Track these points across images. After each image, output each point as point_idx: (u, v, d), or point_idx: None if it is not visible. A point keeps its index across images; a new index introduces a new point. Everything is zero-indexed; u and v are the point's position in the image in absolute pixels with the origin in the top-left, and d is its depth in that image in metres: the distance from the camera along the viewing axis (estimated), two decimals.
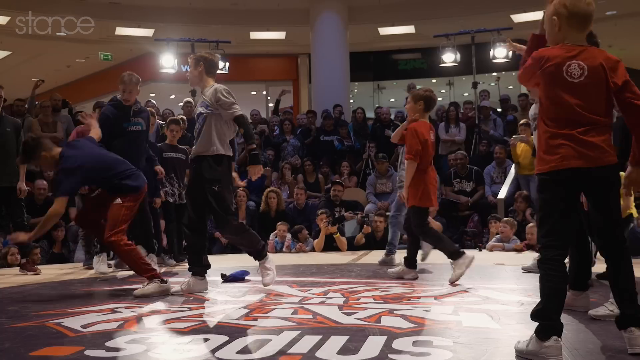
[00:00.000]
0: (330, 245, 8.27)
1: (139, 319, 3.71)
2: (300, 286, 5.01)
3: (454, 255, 5.07)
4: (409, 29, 16.65)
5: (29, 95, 10.31)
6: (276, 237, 8.42)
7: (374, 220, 8.55)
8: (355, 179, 10.80)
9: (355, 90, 18.76)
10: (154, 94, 17.04)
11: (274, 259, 4.98)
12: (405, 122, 5.71)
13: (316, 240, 8.29)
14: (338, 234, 8.27)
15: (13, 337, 3.29)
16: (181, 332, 3.37)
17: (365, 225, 8.48)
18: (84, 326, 3.51)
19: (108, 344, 3.05)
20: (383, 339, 3.06)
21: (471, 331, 3.26)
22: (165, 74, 13.78)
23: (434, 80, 18.50)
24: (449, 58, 12.39)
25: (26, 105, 9.70)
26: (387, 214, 9.18)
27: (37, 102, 10.18)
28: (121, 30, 16.19)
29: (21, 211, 6.50)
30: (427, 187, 5.30)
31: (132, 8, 15.38)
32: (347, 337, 3.11)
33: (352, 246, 8.46)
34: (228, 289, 4.98)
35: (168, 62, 12.77)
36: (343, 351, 2.85)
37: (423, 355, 2.78)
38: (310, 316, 3.72)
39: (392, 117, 12.27)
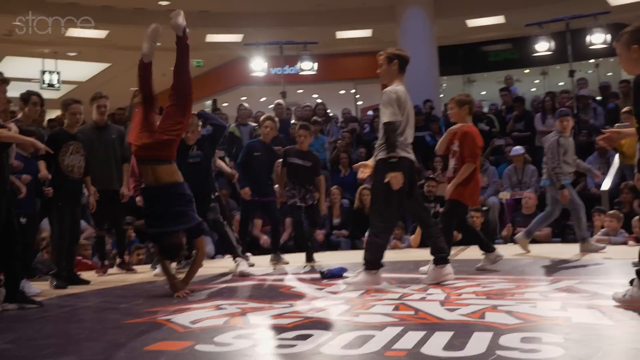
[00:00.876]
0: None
1: (243, 315, 3.80)
2: (400, 282, 4.98)
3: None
4: (498, 19, 16.22)
5: (128, 104, 10.80)
6: None
7: (471, 216, 8.38)
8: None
9: (444, 85, 18.46)
10: (245, 97, 17.41)
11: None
12: (446, 133, 5.95)
13: (412, 236, 8.25)
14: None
15: (128, 332, 3.46)
16: (285, 327, 3.43)
17: None
18: (192, 322, 3.64)
19: (216, 339, 3.15)
20: (489, 335, 3.00)
21: (582, 327, 3.14)
22: (255, 77, 14.08)
23: (526, 71, 17.96)
24: (543, 47, 12.00)
25: (126, 114, 10.17)
26: (484, 208, 9.01)
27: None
28: (211, 37, 16.65)
29: (123, 215, 6.85)
30: (477, 187, 5.70)
31: (221, 15, 15.79)
32: (452, 333, 3.07)
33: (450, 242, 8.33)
34: (327, 285, 5.02)
35: (258, 65, 13.03)
36: (449, 347, 2.81)
37: (533, 352, 2.70)
38: (412, 312, 3.70)
39: (486, 110, 12.01)
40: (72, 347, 3.17)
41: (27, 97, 5.94)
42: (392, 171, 4.69)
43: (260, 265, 6.74)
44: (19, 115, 5.94)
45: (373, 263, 4.83)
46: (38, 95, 6.09)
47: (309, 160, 6.95)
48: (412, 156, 4.96)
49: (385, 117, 4.81)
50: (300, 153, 6.94)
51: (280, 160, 7.14)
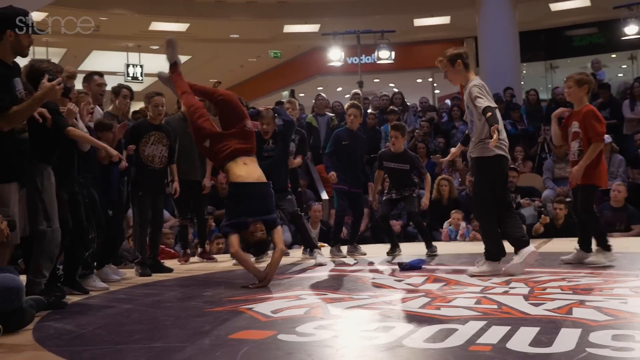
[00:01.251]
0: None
1: (324, 305, 3.82)
2: (480, 275, 4.88)
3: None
4: (583, 2, 15.63)
5: None
6: (450, 225, 8.31)
7: (554, 208, 8.13)
8: (531, 164, 10.34)
9: (524, 72, 17.95)
10: (321, 87, 17.50)
11: (449, 248, 4.92)
12: (555, 119, 5.72)
13: None
14: None
15: (211, 320, 3.53)
16: (366, 319, 3.42)
17: (543, 216, 8.08)
18: (273, 312, 3.68)
19: (298, 329, 3.17)
20: (577, 331, 2.90)
21: None
22: (332, 67, 14.11)
23: (613, 55, 17.22)
24: (632, 30, 11.46)
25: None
26: (567, 200, 8.70)
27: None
28: (289, 28, 16.79)
29: (205, 206, 7.02)
30: (605, 168, 5.42)
31: (299, 5, 15.88)
32: (538, 328, 2.98)
33: (531, 235, 8.11)
34: (406, 277, 4.98)
35: (335, 55, 13.05)
36: (535, 343, 2.73)
37: (626, 350, 2.59)
38: (495, 306, 3.62)
39: None
40: (159, 334, 3.28)
41: (118, 90, 6.15)
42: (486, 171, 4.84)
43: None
44: (110, 108, 6.16)
45: (495, 253, 4.92)
46: (128, 88, 6.30)
47: (405, 163, 6.80)
48: (507, 153, 4.97)
49: (484, 105, 4.72)
50: (395, 156, 6.79)
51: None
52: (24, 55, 4.07)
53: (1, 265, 3.70)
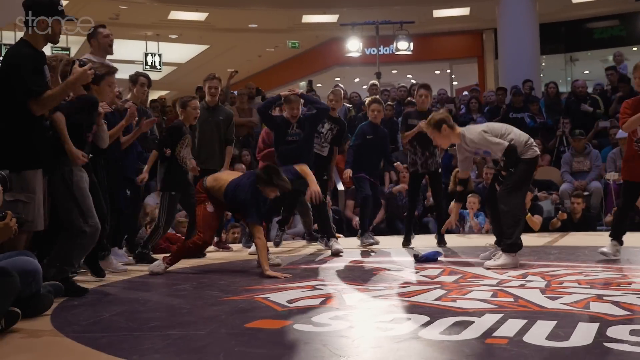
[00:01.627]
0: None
1: (340, 296, 3.82)
2: (496, 268, 4.86)
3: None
4: None
5: (225, 85, 11.04)
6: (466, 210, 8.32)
7: (572, 202, 8.06)
8: (549, 157, 10.24)
9: (544, 64, 17.78)
10: (339, 78, 17.46)
11: (464, 241, 4.89)
12: (625, 107, 5.30)
13: None
14: (529, 214, 7.93)
15: (227, 309, 3.55)
16: (381, 310, 3.42)
17: (560, 212, 8.00)
18: (289, 301, 3.69)
19: (314, 319, 3.18)
20: (595, 326, 2.88)
21: None
22: (350, 57, 14.04)
23: (634, 49, 16.97)
24: None
25: (223, 96, 10.39)
26: (585, 193, 8.62)
27: (232, 91, 10.87)
28: (307, 18, 16.74)
29: None
30: None
31: None
32: (555, 322, 2.96)
33: (548, 229, 8.06)
34: (422, 269, 4.97)
35: (353, 45, 12.97)
36: (552, 337, 2.72)
37: None
38: (512, 299, 3.60)
39: (590, 90, 11.44)
40: (175, 322, 3.29)
41: (136, 79, 6.17)
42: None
43: (352, 246, 6.76)
44: (128, 96, 6.18)
45: (513, 245, 4.92)
46: (146, 76, 6.33)
47: None
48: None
49: (500, 146, 4.99)
50: (421, 114, 6.57)
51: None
52: (55, 42, 4.16)
53: (19, 249, 3.74)
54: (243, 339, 2.84)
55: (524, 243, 5.04)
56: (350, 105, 10.54)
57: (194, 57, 19.49)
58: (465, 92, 13.96)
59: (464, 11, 16.53)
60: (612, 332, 2.77)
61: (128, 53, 16.34)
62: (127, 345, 2.81)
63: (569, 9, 16.21)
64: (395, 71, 18.17)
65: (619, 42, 16.80)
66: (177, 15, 15.92)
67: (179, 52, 18.93)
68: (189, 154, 6.10)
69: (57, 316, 3.47)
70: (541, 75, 15.25)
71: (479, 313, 3.21)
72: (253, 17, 16.39)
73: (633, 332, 2.76)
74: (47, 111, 4.05)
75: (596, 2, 15.86)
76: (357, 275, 4.81)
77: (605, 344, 2.59)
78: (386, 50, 14.98)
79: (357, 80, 18.88)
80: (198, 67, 19.07)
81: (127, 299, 4.05)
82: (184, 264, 5.77)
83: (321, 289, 4.12)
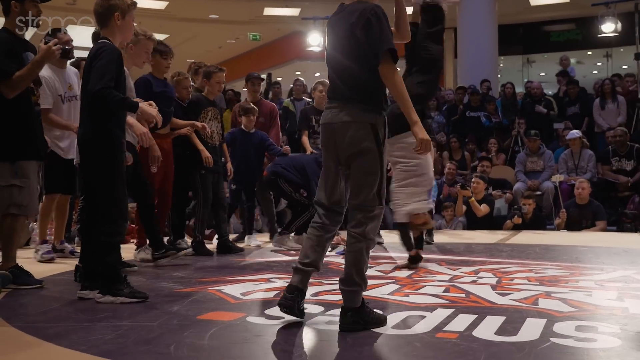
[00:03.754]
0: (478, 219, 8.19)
1: None
2: (449, 264, 4.94)
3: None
4: None
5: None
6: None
7: (523, 203, 8.23)
8: (504, 157, 10.44)
9: (501, 65, 18.07)
10: (299, 72, 17.42)
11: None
12: None
13: (457, 205, 8.27)
14: (473, 198, 8.13)
15: (180, 301, 3.52)
16: (334, 304, 3.43)
17: (516, 217, 8.15)
18: (243, 294, 3.68)
19: (267, 312, 3.18)
20: (542, 321, 2.95)
21: None
22: (311, 52, 14.02)
23: (589, 52, 17.42)
24: (609, 28, 11.54)
25: None
26: (537, 193, 8.82)
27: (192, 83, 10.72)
28: (269, 11, 16.66)
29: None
30: None
31: None
32: (504, 317, 3.02)
33: (501, 228, 8.23)
34: (376, 264, 5.00)
35: (314, 40, 12.95)
36: (501, 332, 2.77)
37: (588, 340, 2.64)
38: (463, 295, 3.66)
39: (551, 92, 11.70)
40: (127, 313, 3.24)
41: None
42: None
43: None
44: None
45: None
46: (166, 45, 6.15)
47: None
48: None
49: None
50: (320, 111, 6.68)
51: None
52: (36, 25, 4.18)
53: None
54: (195, 331, 2.82)
55: (479, 240, 5.12)
56: (310, 100, 10.52)
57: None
58: None
59: None
60: (558, 327, 2.84)
61: (85, 40, 15.99)
62: (76, 336, 2.76)
63: (528, 11, 16.50)
64: None
65: (575, 45, 17.22)
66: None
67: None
68: (219, 128, 5.98)
69: (4, 305, 3.40)
70: (499, 75, 15.51)
71: (431, 308, 3.26)
72: (214, 8, 16.23)
73: (578, 328, 2.83)
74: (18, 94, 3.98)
75: (554, 5, 16.18)
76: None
77: (551, 339, 2.65)
78: None
79: (317, 74, 18.84)
80: None
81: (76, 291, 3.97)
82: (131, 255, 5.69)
83: (275, 282, 4.12)
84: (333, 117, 2.89)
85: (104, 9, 3.65)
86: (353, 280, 2.88)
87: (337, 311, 3.19)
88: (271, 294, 3.68)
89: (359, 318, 2.83)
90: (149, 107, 3.74)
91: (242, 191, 6.68)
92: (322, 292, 3.76)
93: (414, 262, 4.77)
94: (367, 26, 2.81)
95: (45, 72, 4.87)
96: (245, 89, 6.91)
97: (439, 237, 6.97)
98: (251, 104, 6.71)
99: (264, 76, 9.66)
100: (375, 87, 2.88)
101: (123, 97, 3.57)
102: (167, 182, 5.47)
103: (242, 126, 6.50)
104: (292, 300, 2.91)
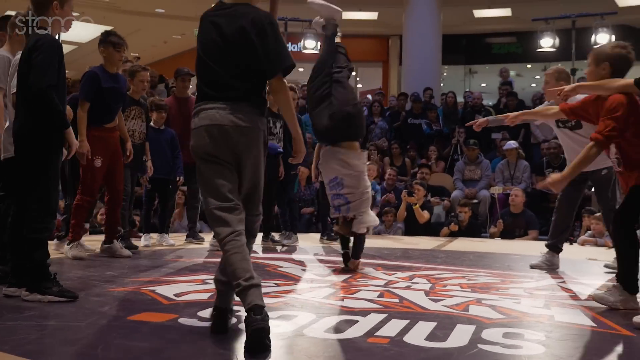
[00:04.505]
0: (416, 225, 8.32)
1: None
2: (385, 269, 4.99)
3: None
4: (505, 12, 16.17)
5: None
6: None
7: (459, 211, 8.40)
8: (443, 164, 10.64)
9: (445, 74, 18.42)
10: None
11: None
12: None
13: (399, 210, 8.41)
14: (417, 205, 8.28)
15: (111, 301, 3.45)
16: (269, 307, 3.41)
17: (452, 224, 8.31)
18: (176, 295, 3.63)
19: (200, 313, 3.14)
20: (472, 328, 3.01)
21: (564, 327, 3.15)
22: None
23: (528, 66, 17.93)
24: (547, 43, 11.93)
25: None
26: (474, 201, 9.02)
27: None
28: None
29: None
30: None
31: None
32: (435, 323, 3.07)
33: (438, 234, 8.38)
34: (313, 267, 5.02)
35: None
36: (431, 337, 2.82)
37: (514, 347, 2.71)
38: (397, 300, 3.70)
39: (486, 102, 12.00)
40: (54, 312, 3.15)
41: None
42: None
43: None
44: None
45: None
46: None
47: None
48: None
49: None
50: None
51: None
52: None
53: None
54: (124, 332, 2.76)
55: (415, 246, 5.20)
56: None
57: (96, 38, 18.70)
58: (369, 95, 14.25)
59: (372, 15, 16.86)
60: (486, 334, 2.90)
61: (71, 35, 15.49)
62: None
63: (471, 22, 16.87)
64: (302, 69, 18.20)
65: (515, 58, 17.69)
66: None
67: (80, 32, 18.12)
68: (142, 127, 5.95)
69: None
70: (441, 84, 15.80)
71: (364, 312, 3.28)
72: (160, 2, 15.98)
73: (506, 335, 2.90)
74: None
75: (496, 18, 16.59)
76: None
77: (479, 345, 2.71)
78: (294, 47, 15.01)
79: None
80: None
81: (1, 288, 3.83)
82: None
83: (210, 283, 4.05)
84: (223, 117, 2.76)
85: None
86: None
87: (271, 314, 3.19)
88: (205, 296, 3.64)
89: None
90: (75, 142, 3.68)
91: (156, 190, 6.58)
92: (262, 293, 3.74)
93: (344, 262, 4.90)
94: (262, 34, 2.79)
95: None
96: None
97: (378, 242, 7.05)
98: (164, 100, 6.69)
99: None
100: (262, 93, 2.88)
101: (60, 110, 3.51)
102: (117, 177, 5.35)
103: (152, 122, 6.38)
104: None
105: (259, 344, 2.51)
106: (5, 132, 4.06)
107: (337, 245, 5.86)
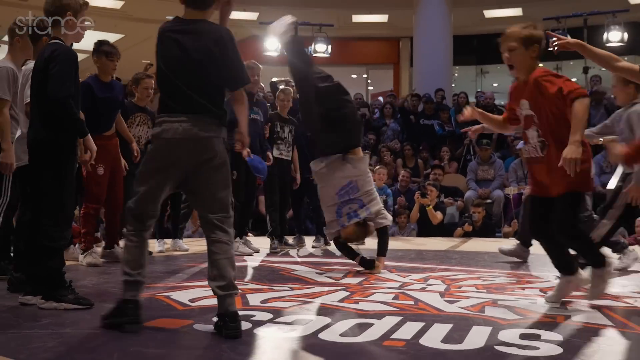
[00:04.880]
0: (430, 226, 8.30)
1: (243, 296, 3.78)
2: (400, 271, 4.97)
3: None
4: (516, 12, 16.07)
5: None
6: None
7: (473, 211, 8.36)
8: (456, 165, 10.59)
9: (456, 74, 18.35)
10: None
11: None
12: None
13: (412, 212, 8.37)
14: (430, 206, 8.25)
15: None
16: (284, 311, 3.41)
17: (467, 224, 8.27)
18: (191, 300, 3.63)
19: (215, 319, 3.12)
20: (488, 329, 2.98)
21: (582, 327, 3.11)
22: (268, 56, 13.98)
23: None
24: None
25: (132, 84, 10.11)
26: (487, 201, 8.97)
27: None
28: None
29: None
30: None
31: None
32: (451, 325, 3.04)
33: (452, 235, 8.35)
34: (328, 271, 5.00)
35: (272, 44, 12.93)
36: (447, 340, 2.79)
37: (532, 348, 2.67)
38: (412, 302, 3.67)
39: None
40: (70, 319, 3.15)
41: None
42: None
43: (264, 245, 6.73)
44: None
45: None
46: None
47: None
48: None
49: None
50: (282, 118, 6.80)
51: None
52: None
53: None
54: (140, 339, 2.76)
55: (429, 247, 5.18)
56: (268, 104, 10.48)
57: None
58: (380, 98, 14.23)
59: (382, 18, 16.83)
60: (503, 335, 2.87)
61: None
62: (15, 343, 2.67)
63: (482, 23, 16.79)
64: None
65: None
66: (91, 1, 15.35)
67: (93, 40, 18.26)
68: (148, 133, 6.02)
69: None
70: (453, 85, 15.75)
71: (380, 315, 3.26)
72: (171, 9, 15.89)
73: (522, 336, 2.87)
74: None
75: (507, 18, 16.47)
76: (263, 275, 4.79)
77: (496, 347, 2.69)
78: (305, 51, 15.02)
79: (274, 79, 18.82)
80: None
81: (17, 295, 3.84)
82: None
83: None
84: (184, 130, 2.87)
85: (55, 8, 3.57)
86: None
87: (286, 318, 3.18)
88: None
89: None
90: (94, 148, 3.75)
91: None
92: (272, 299, 3.73)
93: (366, 267, 4.86)
94: (224, 50, 2.95)
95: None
96: None
97: (392, 244, 7.00)
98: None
99: None
100: (222, 105, 3.00)
101: (80, 119, 3.57)
102: (117, 184, 5.38)
103: None
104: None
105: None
106: (17, 141, 4.08)
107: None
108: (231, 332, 2.76)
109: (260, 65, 6.48)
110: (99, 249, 5.55)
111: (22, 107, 4.05)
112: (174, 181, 2.98)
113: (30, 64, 3.78)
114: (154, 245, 6.42)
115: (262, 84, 10.93)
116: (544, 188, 3.57)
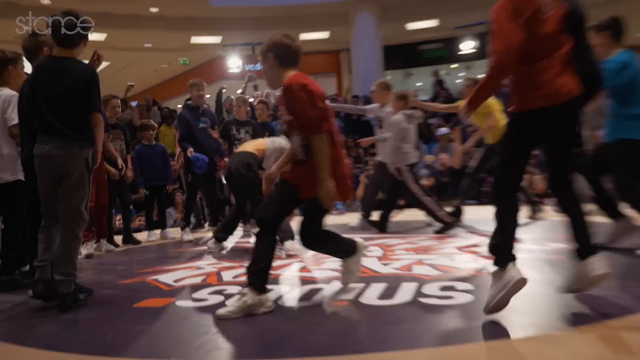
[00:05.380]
0: None
1: (218, 274, 3.77)
2: None
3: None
4: (432, 23, 16.22)
5: (122, 96, 10.51)
6: None
7: None
8: None
9: (389, 77, 18.44)
10: (224, 90, 17.13)
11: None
12: None
13: (357, 191, 8.49)
14: None
15: (122, 292, 3.40)
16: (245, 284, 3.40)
17: None
18: (175, 281, 3.59)
19: (194, 295, 3.12)
20: (414, 285, 3.03)
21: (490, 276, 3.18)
22: (232, 73, 13.85)
23: (453, 66, 18.01)
24: (467, 46, 12.08)
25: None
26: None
27: (131, 103, 10.39)
28: (195, 39, 16.31)
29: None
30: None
31: (204, 20, 15.46)
32: (385, 284, 3.09)
33: None
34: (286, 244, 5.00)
35: (234, 63, 12.83)
36: (382, 297, 2.84)
37: (448, 298, 2.74)
38: None
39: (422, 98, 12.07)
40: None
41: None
42: None
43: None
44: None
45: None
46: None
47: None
48: None
49: None
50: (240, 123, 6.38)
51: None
52: None
53: None
54: (130, 318, 2.73)
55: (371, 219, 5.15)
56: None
57: (97, 72, 18.39)
58: (327, 101, 14.21)
59: (324, 34, 16.80)
60: (426, 289, 2.93)
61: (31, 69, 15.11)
62: (24, 333, 2.61)
63: (405, 34, 16.91)
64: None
65: (443, 60, 17.77)
66: None
67: None
68: (122, 145, 5.97)
69: None
70: None
71: (328, 281, 3.29)
72: (148, 38, 15.73)
73: (442, 289, 2.93)
74: None
75: (426, 29, 16.64)
76: (236, 255, 4.76)
77: (420, 299, 2.74)
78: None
79: (239, 91, 18.63)
80: (101, 80, 18.01)
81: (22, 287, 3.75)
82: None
83: (203, 268, 4.04)
84: (51, 150, 3.04)
85: (33, 45, 3.46)
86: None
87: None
88: (199, 279, 3.61)
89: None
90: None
91: (153, 195, 6.54)
92: (242, 274, 3.73)
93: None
94: (89, 86, 3.11)
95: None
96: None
97: (341, 218, 7.05)
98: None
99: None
100: (84, 129, 3.12)
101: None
102: (102, 193, 5.30)
103: (144, 140, 6.52)
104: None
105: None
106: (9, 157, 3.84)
107: None
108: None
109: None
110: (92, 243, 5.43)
111: (4, 129, 3.82)
112: (54, 185, 3.10)
113: (5, 90, 3.67)
114: (144, 237, 6.35)
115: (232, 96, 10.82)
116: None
